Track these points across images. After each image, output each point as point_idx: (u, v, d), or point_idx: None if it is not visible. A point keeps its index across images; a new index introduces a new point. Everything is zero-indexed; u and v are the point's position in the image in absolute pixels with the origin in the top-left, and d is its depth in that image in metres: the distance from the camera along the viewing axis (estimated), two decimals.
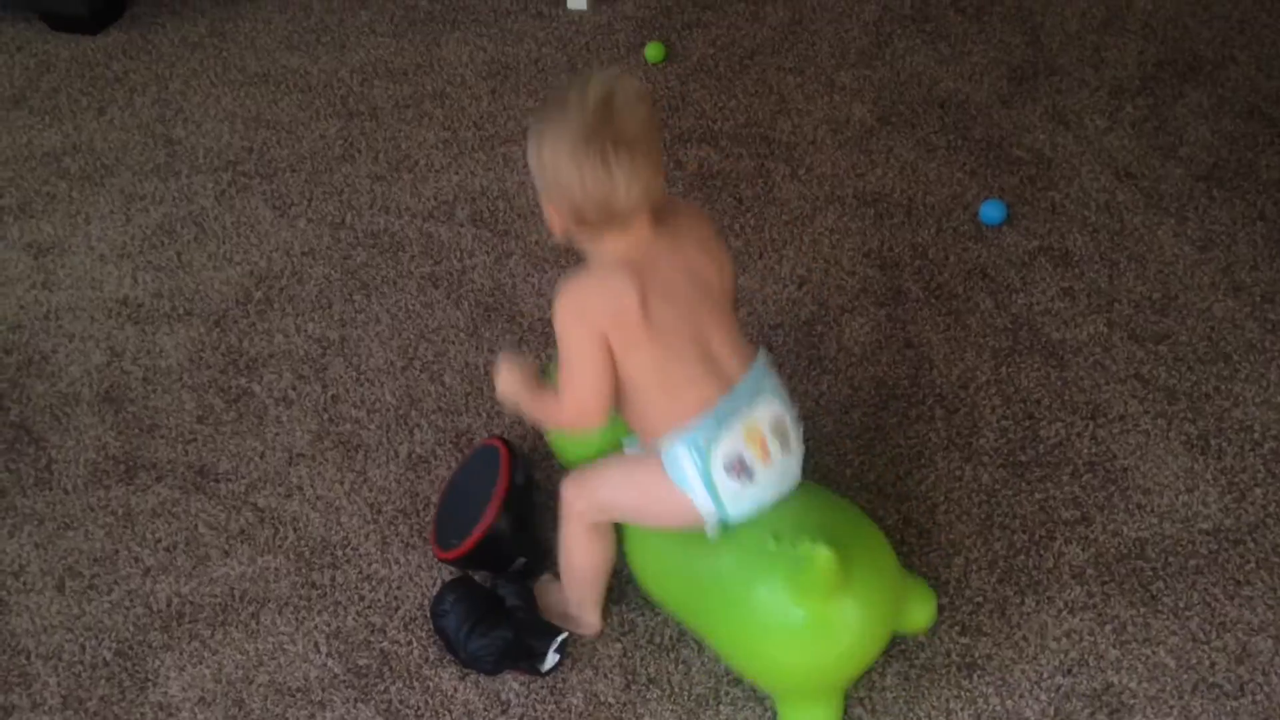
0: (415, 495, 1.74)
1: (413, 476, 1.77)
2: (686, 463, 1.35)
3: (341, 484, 1.77)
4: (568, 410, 1.37)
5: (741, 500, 1.36)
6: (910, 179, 2.15)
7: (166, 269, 2.16)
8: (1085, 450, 1.70)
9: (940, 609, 1.54)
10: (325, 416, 1.87)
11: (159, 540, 1.73)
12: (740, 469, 1.34)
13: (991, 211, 2.02)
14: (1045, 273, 1.95)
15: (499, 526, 1.57)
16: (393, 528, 1.71)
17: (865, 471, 1.70)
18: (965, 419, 1.75)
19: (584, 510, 1.46)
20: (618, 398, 1.37)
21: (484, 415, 1.84)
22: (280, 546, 1.70)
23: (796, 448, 1.39)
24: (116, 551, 1.72)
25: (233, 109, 2.50)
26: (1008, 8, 2.52)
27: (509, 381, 1.45)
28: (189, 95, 2.56)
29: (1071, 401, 1.76)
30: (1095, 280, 1.93)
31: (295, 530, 1.72)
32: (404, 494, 1.75)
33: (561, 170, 1.29)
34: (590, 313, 1.32)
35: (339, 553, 1.69)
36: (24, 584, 1.69)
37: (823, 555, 1.21)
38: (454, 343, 1.96)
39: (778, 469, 1.37)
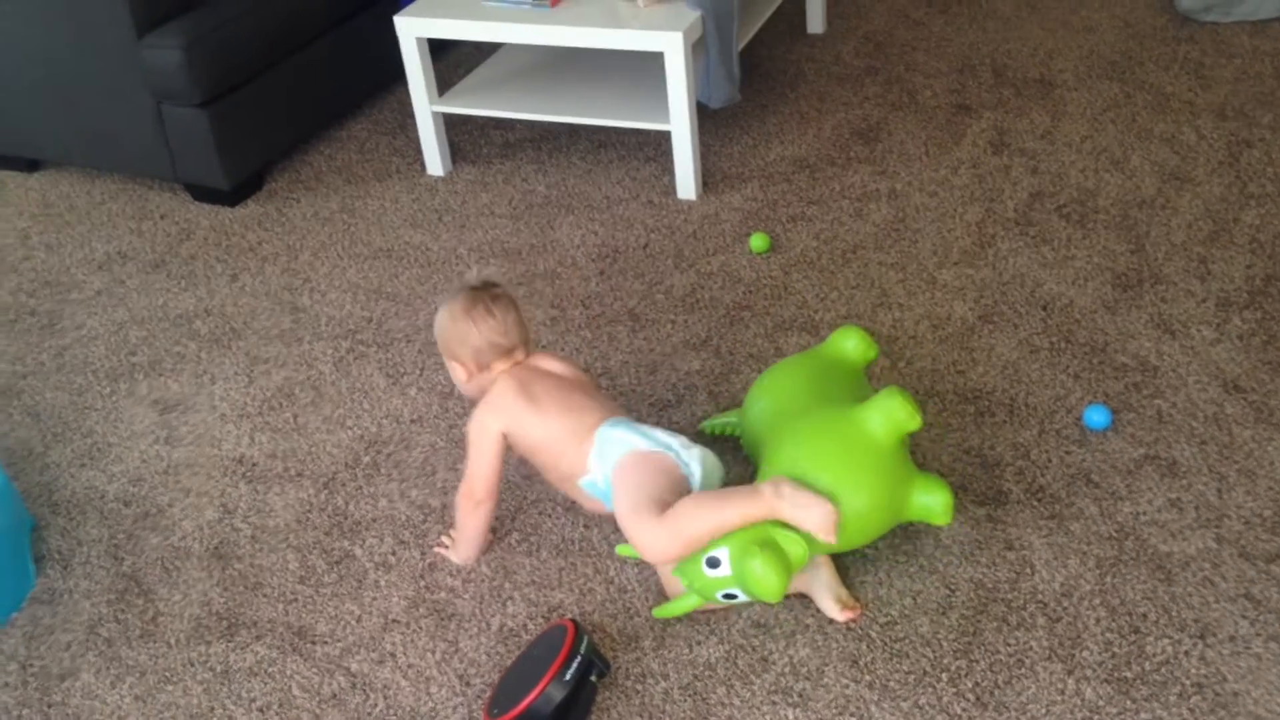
0: (504, 669, 1.74)
1: (502, 650, 1.77)
2: (616, 430, 1.78)
3: (433, 653, 1.79)
4: (466, 486, 1.85)
5: (674, 439, 1.78)
6: (1012, 378, 2.16)
7: (282, 430, 2.24)
8: (1194, 670, 1.64)
9: None
10: (422, 584, 1.90)
11: (253, 700, 1.75)
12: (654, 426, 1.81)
13: (1096, 416, 2.01)
14: (1152, 482, 1.92)
15: (539, 708, 1.58)
16: (479, 701, 1.71)
17: (962, 677, 1.66)
18: (1068, 629, 1.71)
19: (646, 525, 1.68)
20: (547, 462, 1.84)
21: (576, 591, 1.85)
22: (370, 714, 1.71)
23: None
24: (212, 709, 1.74)
25: (356, 280, 2.64)
26: (1112, 216, 2.56)
27: (454, 551, 1.92)
28: (317, 266, 2.70)
29: (1179, 618, 1.71)
30: (1203, 493, 1.89)
31: (385, 698, 1.73)
32: (493, 667, 1.75)
33: (461, 329, 1.84)
34: (488, 422, 1.83)
35: None
36: None
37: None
38: (550, 516, 1.99)
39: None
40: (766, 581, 1.61)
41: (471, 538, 1.89)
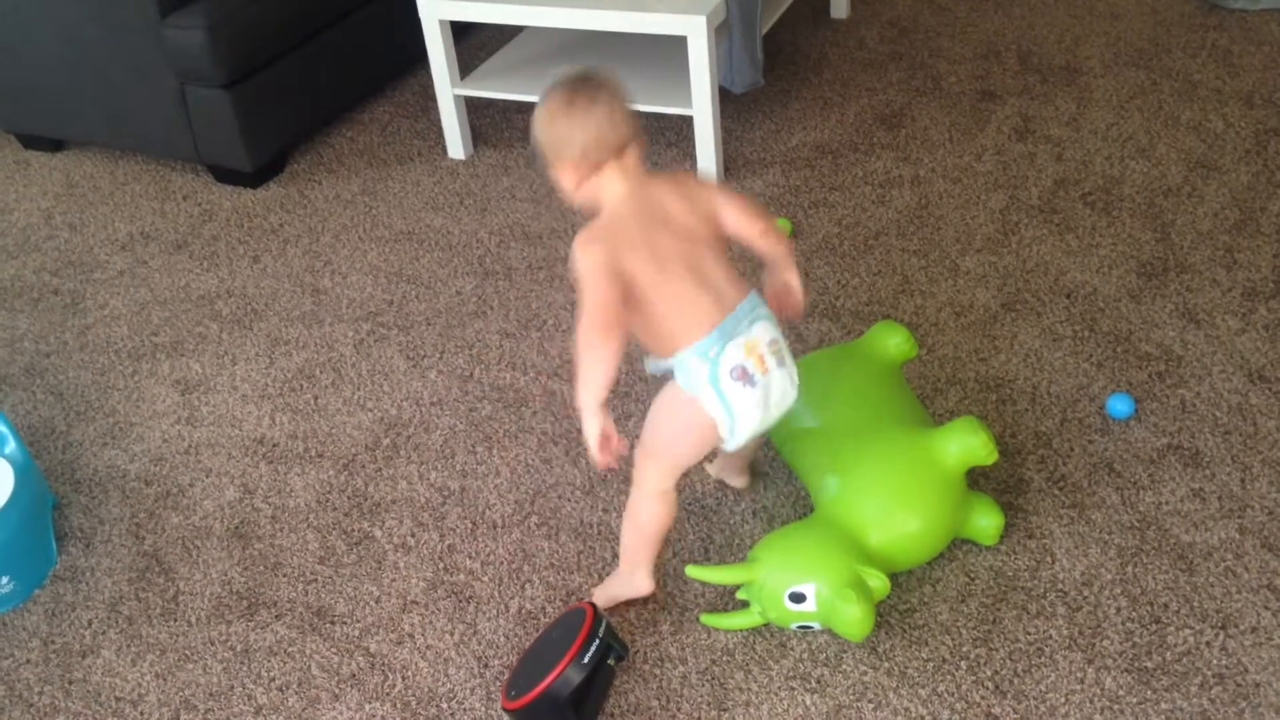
0: (522, 651, 1.75)
1: (521, 633, 1.78)
2: (697, 367, 1.59)
3: (451, 634, 1.79)
4: (582, 329, 1.56)
5: (743, 403, 1.60)
6: (1035, 366, 2.14)
7: (303, 412, 2.25)
8: (1215, 661, 1.63)
9: None
10: (440, 565, 1.90)
11: (273, 679, 1.76)
12: (743, 375, 1.60)
13: (1119, 405, 2.00)
14: (1174, 472, 1.91)
15: (556, 690, 1.58)
16: (498, 683, 1.71)
17: (981, 665, 1.66)
18: (1088, 618, 1.70)
19: (651, 475, 1.70)
20: (639, 322, 1.62)
21: (595, 575, 1.85)
22: (388, 694, 1.72)
23: (790, 365, 1.67)
24: (232, 687, 1.75)
25: (377, 263, 2.64)
26: (1137, 204, 2.54)
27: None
28: (338, 248, 2.71)
29: (1201, 609, 1.70)
30: (1227, 483, 1.88)
31: (404, 679, 1.74)
32: (511, 650, 1.75)
33: (562, 129, 1.60)
34: (599, 247, 1.58)
35: (444, 705, 1.69)
36: (141, 713, 1.73)
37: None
38: (569, 500, 1.99)
39: (775, 380, 1.63)
40: (859, 624, 1.62)
41: (599, 376, 1.55)
